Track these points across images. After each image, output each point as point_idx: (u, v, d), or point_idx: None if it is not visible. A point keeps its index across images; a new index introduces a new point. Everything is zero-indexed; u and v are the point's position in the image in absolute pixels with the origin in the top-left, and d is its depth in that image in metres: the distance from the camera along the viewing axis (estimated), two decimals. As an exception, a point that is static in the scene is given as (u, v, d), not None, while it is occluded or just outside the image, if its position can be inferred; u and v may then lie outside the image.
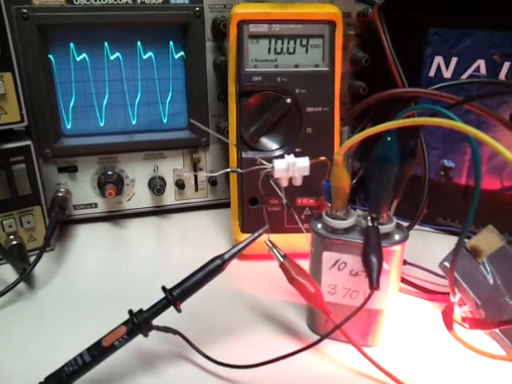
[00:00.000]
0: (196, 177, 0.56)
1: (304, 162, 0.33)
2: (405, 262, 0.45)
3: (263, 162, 0.33)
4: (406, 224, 0.44)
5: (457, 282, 0.33)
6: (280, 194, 0.34)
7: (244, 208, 0.47)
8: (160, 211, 0.57)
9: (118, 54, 0.50)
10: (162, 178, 0.54)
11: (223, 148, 0.55)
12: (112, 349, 0.31)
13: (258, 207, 0.46)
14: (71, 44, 0.48)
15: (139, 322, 0.31)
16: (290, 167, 0.33)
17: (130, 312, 0.32)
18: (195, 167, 0.56)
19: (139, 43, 0.50)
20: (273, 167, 0.33)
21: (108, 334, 0.31)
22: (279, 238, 0.41)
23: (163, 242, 0.53)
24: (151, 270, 0.46)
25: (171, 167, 0.55)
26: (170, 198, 0.56)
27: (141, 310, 0.32)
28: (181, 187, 0.55)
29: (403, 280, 0.42)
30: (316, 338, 0.37)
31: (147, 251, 0.51)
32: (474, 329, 0.32)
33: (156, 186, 0.53)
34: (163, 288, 0.32)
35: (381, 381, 0.33)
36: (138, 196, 0.55)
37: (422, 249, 0.47)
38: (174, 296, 0.32)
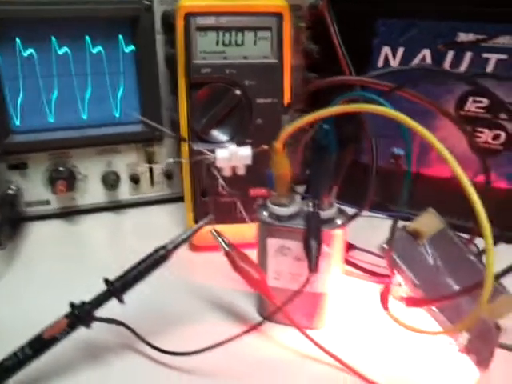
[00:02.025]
0: (151, 171, 0.56)
1: (246, 151, 0.34)
2: (355, 247, 0.46)
3: (206, 151, 0.33)
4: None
5: (395, 263, 0.34)
6: (221, 182, 0.34)
7: (196, 200, 0.47)
8: (115, 207, 0.56)
9: (66, 48, 0.49)
10: (115, 173, 0.54)
11: (177, 141, 0.55)
12: (53, 341, 0.31)
13: (209, 199, 0.47)
14: (17, 39, 0.47)
15: (80, 314, 0.31)
16: (233, 156, 0.34)
17: (72, 304, 0.31)
18: (150, 161, 0.55)
19: (88, 37, 0.49)
20: (215, 157, 0.34)
21: (49, 327, 0.31)
22: (231, 229, 0.41)
23: (118, 237, 0.53)
24: (105, 266, 0.45)
25: (125, 162, 0.54)
26: (124, 193, 0.56)
27: (82, 302, 0.32)
28: (136, 182, 0.55)
29: (351, 263, 0.43)
30: (265, 324, 0.38)
31: (101, 247, 0.50)
32: (410, 307, 0.33)
33: (109, 181, 0.53)
34: (105, 280, 0.32)
35: (326, 362, 0.33)
36: (92, 192, 0.54)
37: (373, 235, 0.48)
38: (116, 287, 0.32)
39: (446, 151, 0.25)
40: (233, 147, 0.33)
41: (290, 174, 0.33)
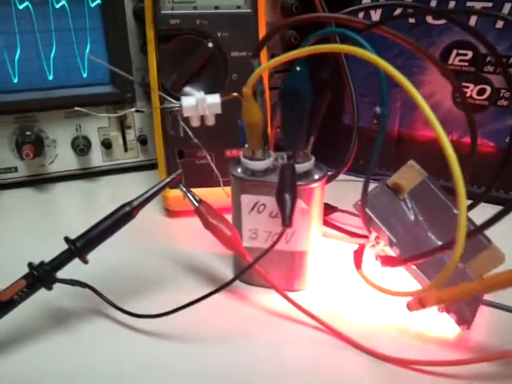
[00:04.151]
0: (124, 135, 0.53)
1: (214, 99, 0.32)
2: (336, 210, 0.44)
3: (170, 99, 0.31)
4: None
5: (371, 220, 0.32)
6: (189, 133, 0.32)
7: (170, 163, 0.45)
8: (87, 174, 0.54)
9: (27, 2, 0.46)
10: (86, 138, 0.51)
11: (151, 104, 0.53)
12: (11, 303, 0.29)
13: (184, 160, 0.44)
14: (-27, -9, 0.44)
15: (39, 274, 0.29)
16: (200, 104, 0.31)
17: (30, 264, 0.29)
18: (122, 126, 0.53)
19: (50, -10, 0.46)
20: (181, 105, 0.31)
21: (7, 288, 0.29)
22: (209, 192, 0.39)
23: (90, 205, 0.51)
24: (75, 232, 0.43)
25: (95, 126, 0.52)
26: (97, 159, 0.53)
27: (41, 262, 0.30)
28: (107, 147, 0.52)
29: (331, 225, 0.41)
30: (241, 285, 0.36)
31: (73, 216, 0.48)
32: (385, 266, 0.31)
33: (79, 146, 0.50)
34: (66, 238, 0.30)
35: (306, 323, 0.32)
36: (62, 158, 0.52)
37: (355, 197, 0.46)
38: (78, 246, 0.30)
39: (421, 97, 0.23)
40: (200, 94, 0.31)
41: (261, 122, 0.31)
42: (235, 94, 0.31)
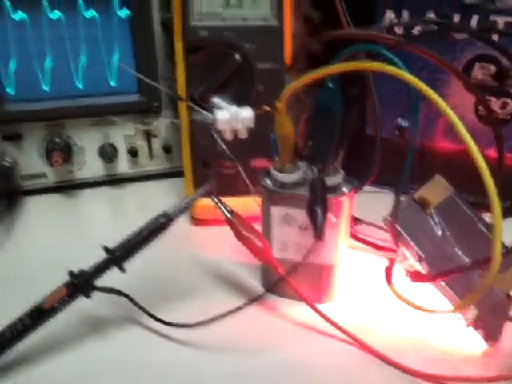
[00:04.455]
0: (150, 144, 0.54)
1: (247, 112, 0.32)
2: (360, 221, 0.44)
3: (205, 112, 0.32)
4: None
5: (400, 234, 0.32)
6: (223, 146, 0.32)
7: (196, 172, 0.46)
8: (114, 181, 0.55)
9: (58, 12, 0.47)
10: (112, 146, 0.52)
11: (177, 113, 0.53)
12: (53, 311, 0.30)
13: (211, 170, 0.45)
14: (6, 1, 0.45)
15: (79, 283, 0.30)
16: (233, 118, 0.32)
17: (71, 272, 0.30)
18: (148, 134, 0.54)
19: (81, 1, 0.47)
20: (215, 118, 0.32)
21: (48, 296, 0.30)
22: (235, 201, 0.40)
23: (117, 212, 0.52)
24: (104, 241, 0.44)
25: (122, 134, 0.53)
26: (123, 166, 0.54)
27: (81, 270, 0.31)
28: (134, 155, 0.53)
29: (357, 238, 0.42)
30: (269, 296, 0.37)
31: (100, 222, 0.49)
32: (415, 282, 0.31)
33: (107, 153, 0.51)
34: (105, 248, 0.31)
35: (334, 336, 0.33)
36: (89, 165, 0.53)
37: (378, 209, 0.47)
38: (117, 255, 0.31)
39: (456, 117, 0.23)
40: (233, 108, 0.32)
41: (293, 135, 0.32)
42: (267, 107, 0.32)
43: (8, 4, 0.45)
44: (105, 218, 0.50)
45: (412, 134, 0.31)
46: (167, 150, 0.55)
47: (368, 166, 0.44)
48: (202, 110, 0.32)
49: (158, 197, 0.53)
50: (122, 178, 0.55)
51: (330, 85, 0.29)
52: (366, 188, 0.46)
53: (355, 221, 0.44)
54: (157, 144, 0.55)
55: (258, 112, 0.32)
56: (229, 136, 0.33)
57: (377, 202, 0.50)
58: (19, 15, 0.46)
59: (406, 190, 0.32)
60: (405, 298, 0.32)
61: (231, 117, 0.32)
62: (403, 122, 0.51)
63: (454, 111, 0.51)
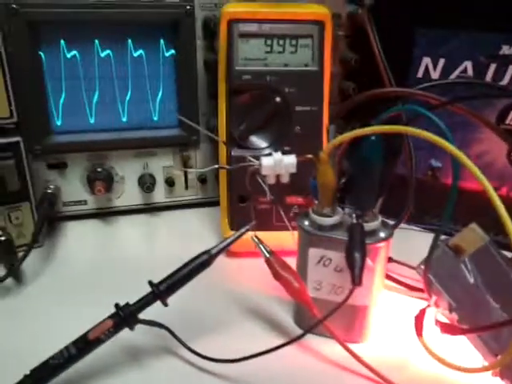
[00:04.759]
0: (186, 174, 0.56)
1: (291, 160, 0.34)
2: (392, 260, 0.45)
3: (251, 159, 0.34)
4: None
5: (432, 284, 0.33)
6: (266, 190, 0.34)
7: (233, 206, 0.47)
8: (150, 209, 0.57)
9: (108, 51, 0.50)
10: (151, 176, 0.55)
11: (213, 146, 0.56)
12: (98, 342, 0.31)
13: (246, 205, 0.47)
14: (62, 41, 0.49)
15: (125, 316, 0.31)
16: (277, 164, 0.34)
17: (117, 305, 0.32)
18: (185, 165, 0.56)
19: (130, 41, 0.50)
20: (260, 164, 0.34)
21: (94, 327, 0.31)
22: (268, 236, 0.41)
23: (152, 239, 0.54)
24: (140, 267, 0.46)
25: (161, 165, 0.55)
26: (159, 195, 0.56)
27: (127, 304, 0.32)
28: (171, 185, 0.56)
29: (390, 277, 0.43)
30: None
31: (136, 248, 0.51)
32: (445, 333, 0.32)
33: (146, 183, 0.53)
34: (150, 282, 0.33)
35: (366, 376, 0.33)
36: (128, 193, 0.55)
37: (409, 247, 0.48)
38: (161, 290, 0.32)
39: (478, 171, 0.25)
40: (277, 155, 0.33)
41: (334, 184, 0.33)
42: (310, 156, 0.34)
43: (63, 43, 0.48)
44: (141, 244, 0.52)
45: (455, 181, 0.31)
46: (202, 180, 0.57)
47: (399, 204, 0.45)
48: (249, 157, 0.33)
49: (191, 225, 0.55)
50: (157, 206, 0.57)
51: (373, 137, 0.31)
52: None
53: (389, 260, 0.45)
54: (193, 175, 0.57)
55: (301, 160, 0.33)
56: (272, 180, 0.34)
57: (406, 240, 0.51)
58: (72, 53, 0.49)
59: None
60: (434, 352, 0.32)
61: (275, 163, 0.33)
62: (436, 163, 0.52)
63: (486, 155, 0.52)
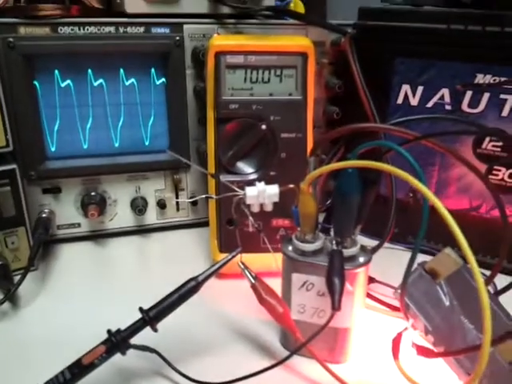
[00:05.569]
0: (177, 197, 0.58)
1: (273, 190, 0.36)
2: (374, 281, 0.47)
3: (236, 189, 0.36)
4: (376, 243, 0.47)
5: (409, 307, 0.35)
6: (250, 219, 0.36)
7: (222, 228, 0.49)
8: (141, 230, 0.59)
9: (101, 80, 0.52)
10: (143, 199, 0.56)
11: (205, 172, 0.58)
12: (91, 367, 0.33)
13: (234, 228, 0.49)
14: (56, 71, 0.50)
15: (117, 341, 0.33)
16: (261, 194, 0.36)
17: (109, 331, 0.33)
18: (176, 188, 0.58)
19: (122, 70, 0.52)
20: (244, 194, 0.36)
21: (88, 353, 0.33)
22: (255, 258, 0.43)
23: (144, 260, 0.55)
24: (132, 289, 0.48)
25: (153, 188, 0.57)
26: (151, 217, 0.58)
27: (119, 330, 0.34)
28: (162, 207, 0.57)
29: (372, 297, 0.45)
30: (285, 353, 0.39)
31: (129, 270, 0.53)
32: (420, 356, 0.33)
33: (138, 206, 0.55)
34: (140, 309, 0.34)
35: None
36: (121, 216, 0.57)
37: (391, 266, 0.49)
38: (151, 317, 0.34)
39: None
40: (261, 185, 0.35)
41: (315, 212, 0.35)
42: (291, 185, 0.36)
43: (57, 73, 0.50)
44: (133, 265, 0.54)
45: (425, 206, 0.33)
46: (193, 202, 0.59)
47: (382, 224, 0.47)
48: (234, 187, 0.35)
49: (182, 245, 0.57)
50: (149, 228, 0.59)
51: (350, 170, 0.33)
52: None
53: (370, 280, 0.46)
54: (184, 197, 0.59)
55: (283, 190, 0.35)
56: (256, 209, 0.36)
57: (393, 259, 0.53)
58: (66, 82, 0.51)
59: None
60: (409, 376, 0.34)
61: (259, 194, 0.35)
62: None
63: (465, 178, 0.54)
